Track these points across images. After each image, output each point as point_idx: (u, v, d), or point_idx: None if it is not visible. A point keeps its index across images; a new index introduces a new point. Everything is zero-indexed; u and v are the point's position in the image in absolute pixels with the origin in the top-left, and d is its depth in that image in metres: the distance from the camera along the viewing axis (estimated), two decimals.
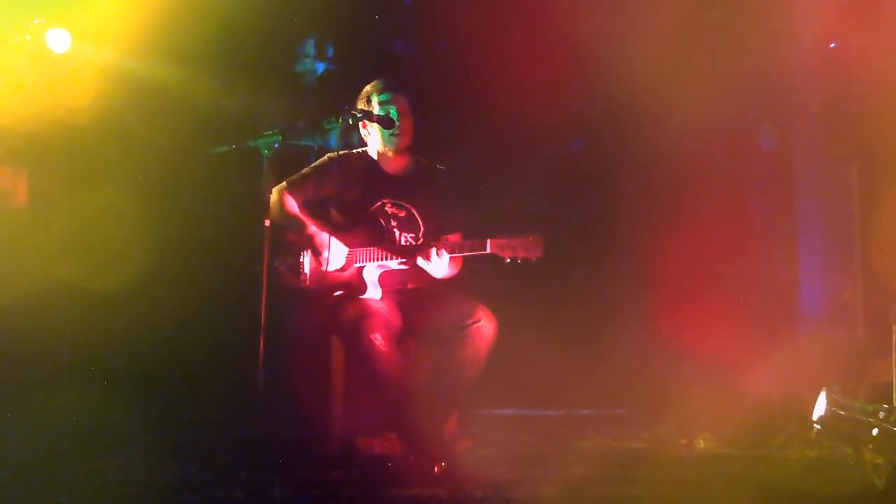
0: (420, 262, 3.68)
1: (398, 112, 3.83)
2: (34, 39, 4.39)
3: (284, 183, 3.93)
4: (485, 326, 3.68)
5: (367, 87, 3.90)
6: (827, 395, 3.85)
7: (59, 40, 4.42)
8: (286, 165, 3.97)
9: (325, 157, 3.96)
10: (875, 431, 3.45)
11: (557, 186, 4.93)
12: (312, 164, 3.97)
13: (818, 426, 3.87)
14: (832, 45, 4.73)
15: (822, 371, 4.09)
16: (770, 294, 4.76)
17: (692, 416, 4.16)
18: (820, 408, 3.88)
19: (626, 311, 4.71)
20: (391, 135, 3.84)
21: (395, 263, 3.76)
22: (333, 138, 4.93)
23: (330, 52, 5.12)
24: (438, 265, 3.66)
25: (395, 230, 3.88)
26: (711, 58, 4.75)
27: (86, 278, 4.44)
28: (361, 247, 3.80)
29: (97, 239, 4.60)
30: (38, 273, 4.39)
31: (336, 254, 3.78)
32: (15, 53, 4.39)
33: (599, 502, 3.25)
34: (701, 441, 3.95)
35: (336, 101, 4.70)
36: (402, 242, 3.87)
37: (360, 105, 3.87)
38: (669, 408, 4.30)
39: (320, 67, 5.11)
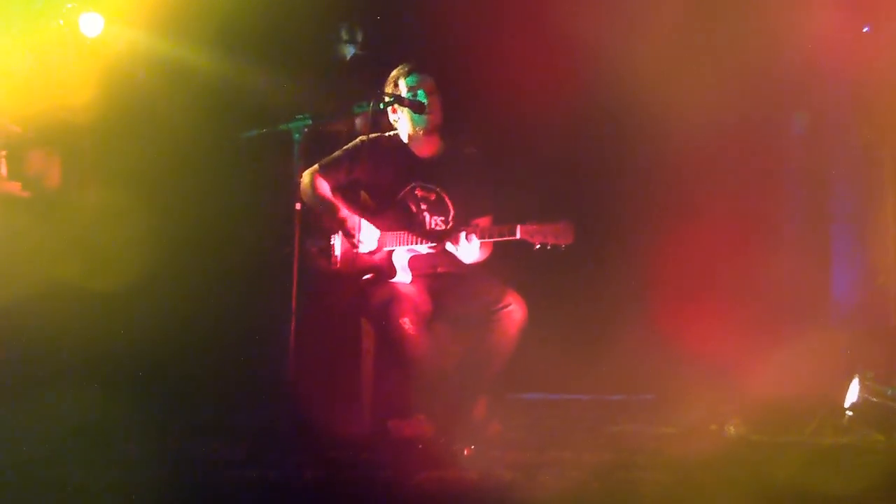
0: (450, 246, 3.68)
1: (426, 93, 3.83)
2: (67, 23, 4.42)
3: (317, 166, 3.94)
4: (514, 311, 3.69)
5: (395, 72, 3.90)
6: (860, 381, 3.83)
7: (91, 24, 4.45)
8: (316, 150, 3.98)
9: (357, 139, 3.96)
10: None
11: (591, 171, 4.91)
12: (344, 147, 3.97)
13: (850, 413, 3.86)
14: (865, 30, 4.68)
15: (855, 358, 4.05)
16: (802, 280, 4.72)
17: (722, 402, 4.15)
18: (852, 394, 3.86)
19: (656, 298, 4.68)
20: (422, 115, 3.83)
21: (424, 248, 3.77)
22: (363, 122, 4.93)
23: (359, 37, 5.11)
24: (468, 250, 3.66)
25: (425, 214, 3.88)
26: (741, 44, 4.70)
27: (125, 260, 4.48)
28: (391, 230, 3.81)
29: (131, 225, 4.64)
30: (77, 252, 4.45)
31: (368, 236, 3.79)
32: (48, 37, 4.43)
33: (628, 487, 3.24)
34: (731, 427, 3.93)
35: (366, 85, 4.70)
36: (432, 226, 3.87)
37: (388, 89, 3.87)
38: (699, 394, 4.28)
39: (350, 51, 5.11)
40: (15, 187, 4.44)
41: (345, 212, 3.83)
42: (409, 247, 3.77)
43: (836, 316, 4.70)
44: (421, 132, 3.89)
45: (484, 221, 3.83)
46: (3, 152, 4.35)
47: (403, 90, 3.84)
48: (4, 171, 4.37)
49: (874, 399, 3.75)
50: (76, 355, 4.29)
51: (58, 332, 4.30)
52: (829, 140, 4.88)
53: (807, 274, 4.73)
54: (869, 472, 3.33)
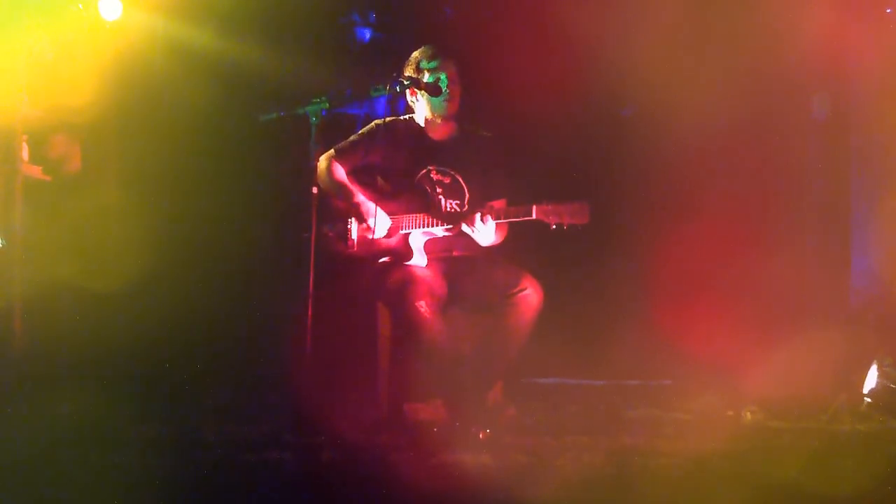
0: (465, 228, 3.68)
1: (448, 78, 3.82)
2: (86, 7, 4.44)
3: (332, 150, 3.93)
4: (531, 295, 3.68)
5: (416, 53, 3.88)
6: (878, 368, 3.80)
7: (110, 8, 4.47)
8: (333, 133, 3.98)
9: (373, 123, 3.96)
10: None
11: (608, 154, 4.89)
12: (360, 132, 3.98)
13: (869, 399, 3.84)
14: (888, 11, 4.63)
15: (874, 344, 4.03)
16: (822, 266, 4.69)
17: (739, 388, 4.13)
18: (871, 381, 3.84)
19: (675, 284, 4.66)
20: (440, 101, 3.83)
21: (440, 230, 3.77)
22: (380, 106, 4.93)
23: (373, 19, 5.11)
24: (484, 232, 3.66)
25: (441, 197, 3.88)
26: (761, 29, 4.65)
27: (144, 244, 4.51)
28: (407, 214, 3.81)
29: (148, 209, 4.66)
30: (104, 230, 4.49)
31: (382, 222, 3.80)
32: (67, 21, 4.45)
33: (644, 472, 3.24)
34: (748, 413, 3.92)
35: (383, 68, 4.69)
36: (447, 209, 3.87)
37: (408, 72, 3.86)
38: (716, 380, 4.26)
39: (367, 34, 5.10)
40: (36, 171, 4.48)
41: (360, 197, 3.84)
42: (425, 229, 3.77)
43: (856, 303, 4.67)
44: (438, 118, 3.89)
45: (499, 204, 3.82)
46: (25, 136, 4.37)
47: (424, 74, 3.83)
48: (26, 155, 4.41)
49: (893, 385, 3.72)
50: (93, 347, 4.33)
51: (71, 322, 4.34)
52: (850, 126, 4.83)
53: (826, 261, 4.70)
54: (886, 460, 3.31)
